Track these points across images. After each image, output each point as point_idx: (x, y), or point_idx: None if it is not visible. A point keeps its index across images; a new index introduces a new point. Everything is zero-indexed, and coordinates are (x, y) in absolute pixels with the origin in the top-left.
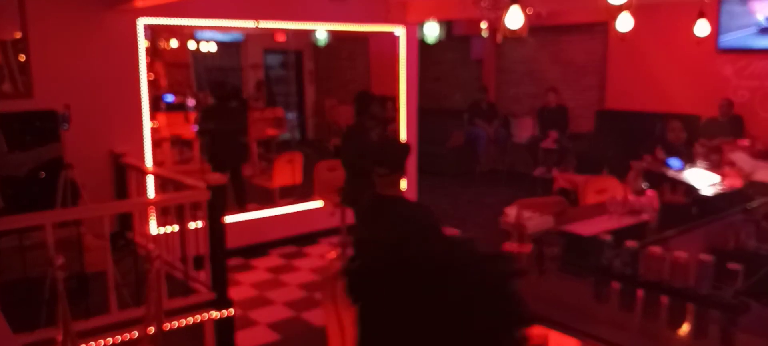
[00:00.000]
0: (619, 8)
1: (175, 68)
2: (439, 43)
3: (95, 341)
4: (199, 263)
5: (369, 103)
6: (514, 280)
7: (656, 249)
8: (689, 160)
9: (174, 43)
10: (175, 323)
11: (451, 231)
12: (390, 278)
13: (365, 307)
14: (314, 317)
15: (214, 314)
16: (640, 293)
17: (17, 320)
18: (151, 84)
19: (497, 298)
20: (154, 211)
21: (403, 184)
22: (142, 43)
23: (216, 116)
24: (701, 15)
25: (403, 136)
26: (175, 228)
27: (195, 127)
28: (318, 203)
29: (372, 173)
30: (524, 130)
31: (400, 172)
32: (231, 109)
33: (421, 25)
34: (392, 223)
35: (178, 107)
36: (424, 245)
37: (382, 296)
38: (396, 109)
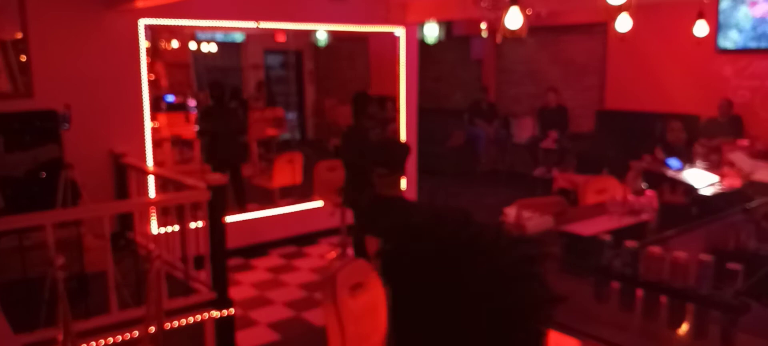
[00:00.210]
0: (619, 9)
1: (176, 68)
2: (439, 43)
3: (96, 340)
4: (199, 262)
5: (366, 104)
6: (541, 262)
7: (656, 249)
8: (689, 160)
9: (175, 44)
10: (176, 323)
11: None
12: (423, 260)
13: (397, 289)
14: (314, 317)
15: (215, 313)
16: (640, 293)
17: (17, 320)
18: (152, 84)
19: (526, 279)
20: (154, 211)
21: (403, 184)
22: (143, 44)
23: (214, 116)
24: (700, 15)
25: (403, 136)
26: (176, 228)
27: (196, 128)
28: (318, 203)
29: (372, 174)
30: (524, 130)
31: (400, 172)
32: (229, 109)
33: (421, 25)
34: (393, 222)
35: (179, 107)
36: (457, 227)
37: (415, 277)
38: (396, 110)
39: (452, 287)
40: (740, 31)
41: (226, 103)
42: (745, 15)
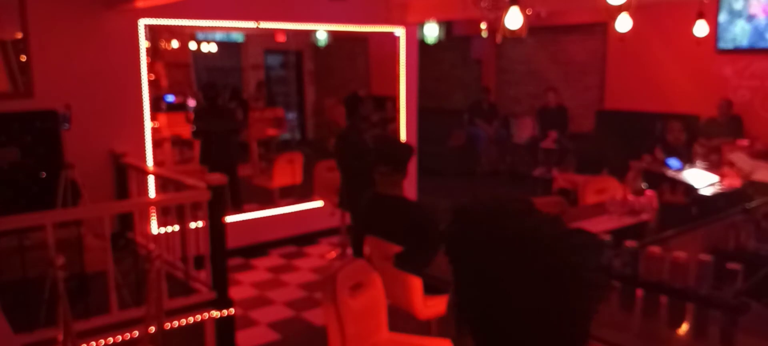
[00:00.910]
0: (619, 8)
1: (176, 68)
2: (440, 43)
3: (96, 340)
4: (199, 262)
5: (357, 106)
6: (597, 253)
7: (656, 249)
8: (688, 160)
9: (175, 44)
10: (176, 323)
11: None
12: (486, 244)
13: (461, 269)
14: (314, 316)
15: (215, 313)
16: (640, 292)
17: (17, 320)
18: (152, 84)
19: (581, 269)
20: (154, 211)
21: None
22: (143, 44)
23: (207, 117)
24: (700, 15)
25: (403, 136)
26: (176, 228)
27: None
28: (318, 203)
29: (372, 172)
30: (524, 130)
31: (403, 171)
32: (223, 110)
33: (421, 25)
34: (393, 221)
35: (179, 107)
36: (520, 217)
37: (478, 260)
38: (396, 110)
39: (511, 272)
40: (740, 31)
41: (223, 104)
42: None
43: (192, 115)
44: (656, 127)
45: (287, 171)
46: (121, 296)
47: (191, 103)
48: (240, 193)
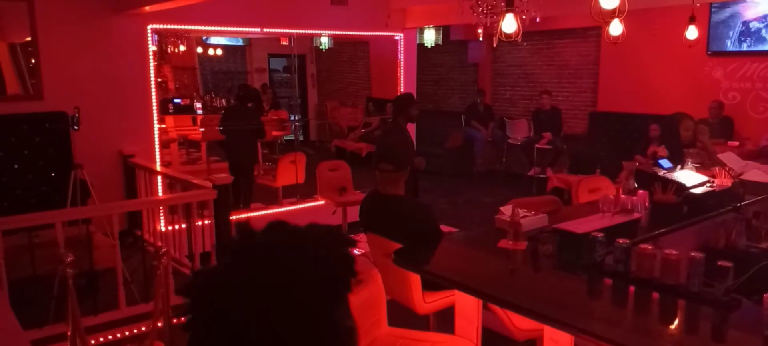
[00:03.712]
0: (612, 13)
1: (183, 72)
2: (437, 47)
3: (104, 336)
4: (206, 259)
5: (408, 106)
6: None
7: (648, 246)
8: (679, 160)
9: (182, 47)
10: (183, 318)
11: (447, 229)
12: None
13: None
14: None
15: None
16: (632, 289)
17: (27, 317)
18: (160, 87)
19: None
20: (162, 209)
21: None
22: (151, 48)
23: (233, 117)
24: (692, 19)
25: None
26: (183, 226)
27: (219, 129)
28: (319, 202)
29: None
30: (519, 131)
31: (405, 171)
32: (249, 110)
33: (420, 30)
34: (394, 219)
35: (186, 110)
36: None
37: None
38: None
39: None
40: (731, 34)
41: (246, 105)
42: (735, 19)
43: (219, 116)
44: (648, 127)
45: (290, 171)
46: (129, 292)
47: (198, 105)
48: (251, 192)
